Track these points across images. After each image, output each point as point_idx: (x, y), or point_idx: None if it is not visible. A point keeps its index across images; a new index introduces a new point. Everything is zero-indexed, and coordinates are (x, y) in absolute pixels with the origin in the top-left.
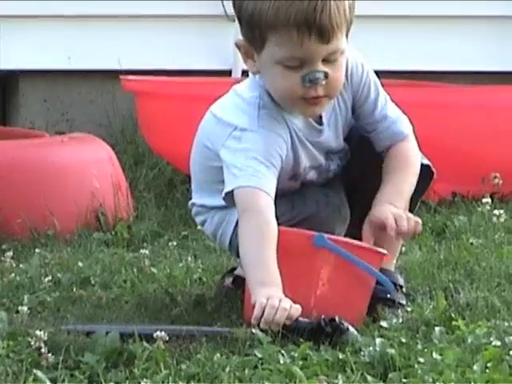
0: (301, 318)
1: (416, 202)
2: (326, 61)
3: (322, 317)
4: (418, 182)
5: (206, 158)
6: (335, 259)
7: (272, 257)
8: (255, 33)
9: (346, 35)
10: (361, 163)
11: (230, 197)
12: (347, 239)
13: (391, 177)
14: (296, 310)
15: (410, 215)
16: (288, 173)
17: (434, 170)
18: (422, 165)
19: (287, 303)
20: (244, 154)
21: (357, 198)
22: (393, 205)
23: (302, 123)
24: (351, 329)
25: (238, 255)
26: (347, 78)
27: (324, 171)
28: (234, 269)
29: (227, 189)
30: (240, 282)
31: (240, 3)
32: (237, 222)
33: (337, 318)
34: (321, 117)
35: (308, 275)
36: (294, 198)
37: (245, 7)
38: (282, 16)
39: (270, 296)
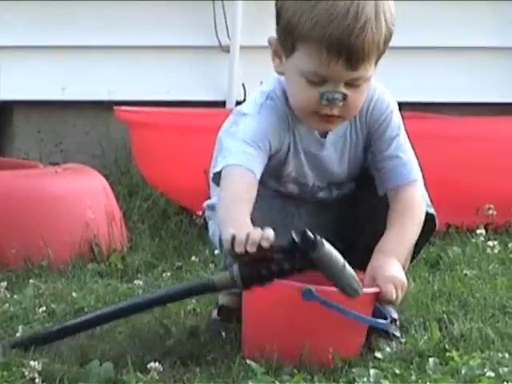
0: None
1: (419, 250)
2: (348, 84)
3: (293, 232)
4: (422, 231)
5: (219, 152)
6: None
7: (245, 214)
8: (288, 38)
9: (375, 64)
10: (369, 204)
11: (218, 178)
12: (332, 288)
13: (396, 225)
14: (270, 231)
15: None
16: (271, 170)
17: (437, 221)
18: (427, 213)
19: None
20: (235, 136)
21: (362, 238)
22: (395, 256)
23: (304, 130)
24: (326, 244)
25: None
26: (368, 109)
27: (308, 192)
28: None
29: (216, 169)
30: (225, 312)
31: (281, 4)
32: None
33: (308, 232)
34: (327, 132)
35: (299, 323)
36: (275, 216)
37: (285, 10)
38: (316, 31)
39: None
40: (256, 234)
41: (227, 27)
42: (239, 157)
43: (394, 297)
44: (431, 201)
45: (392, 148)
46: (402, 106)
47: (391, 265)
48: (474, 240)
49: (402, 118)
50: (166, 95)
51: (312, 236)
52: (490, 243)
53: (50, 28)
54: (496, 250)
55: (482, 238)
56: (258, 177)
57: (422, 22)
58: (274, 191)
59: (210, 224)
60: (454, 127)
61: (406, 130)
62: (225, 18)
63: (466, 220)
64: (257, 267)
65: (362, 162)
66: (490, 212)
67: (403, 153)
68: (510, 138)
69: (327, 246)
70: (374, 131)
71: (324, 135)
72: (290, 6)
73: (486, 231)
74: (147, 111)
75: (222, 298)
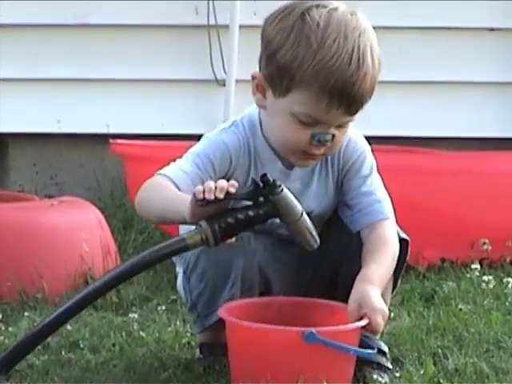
0: None
1: (396, 279)
2: (338, 126)
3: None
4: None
5: None
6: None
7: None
8: (283, 80)
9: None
10: (342, 245)
11: None
12: (331, 328)
13: (373, 259)
14: (234, 182)
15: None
16: None
17: (408, 239)
18: (401, 239)
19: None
20: (185, 154)
21: (339, 280)
22: (378, 286)
23: (267, 160)
24: (285, 189)
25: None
26: (341, 148)
27: (267, 228)
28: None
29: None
30: (206, 349)
31: (278, 44)
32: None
33: (268, 175)
34: (293, 165)
35: (293, 363)
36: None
37: (284, 52)
38: (320, 80)
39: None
40: (223, 181)
41: (223, 61)
42: (172, 171)
43: (382, 329)
44: (424, 234)
45: (367, 185)
46: (395, 140)
47: (378, 295)
48: (468, 275)
49: (383, 152)
50: (161, 129)
51: (271, 179)
52: (485, 278)
53: (45, 61)
54: (491, 285)
55: (476, 273)
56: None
57: (413, 55)
58: None
59: (178, 270)
60: (449, 162)
61: (396, 166)
62: (221, 51)
63: (461, 255)
64: (224, 218)
65: (331, 202)
66: (485, 247)
67: (377, 191)
68: (505, 172)
69: (286, 190)
70: (347, 170)
71: (290, 167)
72: (288, 48)
73: (481, 266)
74: (142, 144)
75: (200, 337)
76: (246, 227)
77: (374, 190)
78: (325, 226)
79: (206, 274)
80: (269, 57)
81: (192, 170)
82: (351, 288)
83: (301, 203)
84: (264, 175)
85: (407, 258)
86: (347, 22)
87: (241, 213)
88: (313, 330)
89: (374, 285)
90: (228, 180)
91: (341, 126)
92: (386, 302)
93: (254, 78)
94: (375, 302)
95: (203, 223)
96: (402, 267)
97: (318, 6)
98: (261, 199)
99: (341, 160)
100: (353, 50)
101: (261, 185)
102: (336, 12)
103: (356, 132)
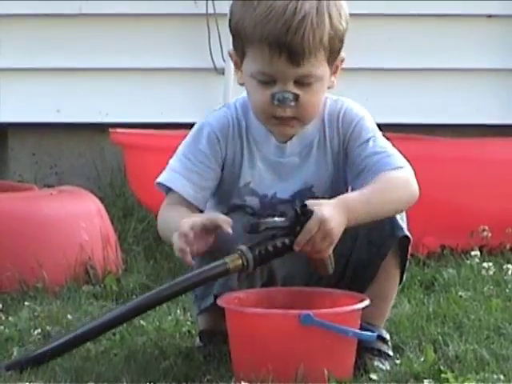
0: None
1: (402, 274)
2: (298, 83)
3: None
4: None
5: None
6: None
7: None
8: (237, 44)
9: (329, 63)
10: (350, 237)
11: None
12: (329, 310)
13: (364, 188)
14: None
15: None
16: (226, 184)
17: (410, 238)
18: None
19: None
20: (178, 150)
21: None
22: (348, 210)
23: (261, 136)
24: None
25: None
26: (338, 119)
27: (267, 205)
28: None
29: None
30: (206, 336)
31: (230, 12)
32: None
33: (308, 204)
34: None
35: (293, 348)
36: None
37: (232, 17)
38: (257, 32)
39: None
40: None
41: (222, 49)
42: (167, 176)
43: (312, 233)
44: (424, 221)
45: (370, 146)
46: (395, 127)
47: (333, 210)
48: (468, 262)
49: (390, 140)
50: (160, 117)
51: (311, 209)
52: (485, 265)
53: (44, 50)
54: (491, 272)
55: (476, 260)
56: (192, 195)
57: (411, 43)
58: (237, 207)
59: None
60: (449, 149)
61: (399, 151)
62: (219, 40)
63: (461, 242)
64: (263, 245)
65: (332, 176)
66: (485, 234)
67: (382, 148)
68: (505, 159)
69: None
70: (348, 138)
71: (284, 141)
72: (236, 11)
73: (481, 253)
74: (141, 133)
75: (200, 322)
76: (281, 255)
77: (380, 148)
78: None
79: (206, 253)
80: (229, 26)
81: (186, 167)
82: (357, 280)
83: (299, 177)
84: (304, 205)
85: (408, 256)
86: None
87: (279, 241)
88: (309, 312)
89: (342, 205)
90: (223, 167)
91: (302, 84)
92: (390, 296)
93: (230, 55)
94: (324, 210)
95: (244, 248)
96: (405, 264)
97: None
98: (298, 228)
99: (340, 130)
100: (291, 0)
101: (299, 213)
102: None
103: (352, 102)
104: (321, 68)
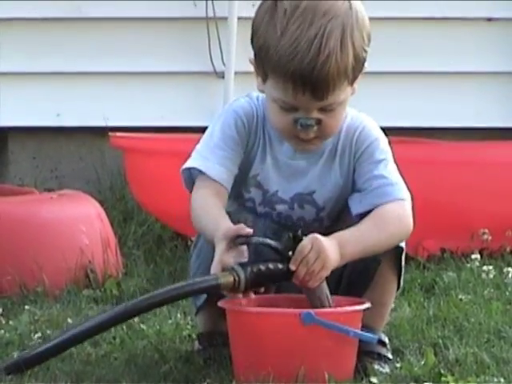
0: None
1: (399, 282)
2: (321, 109)
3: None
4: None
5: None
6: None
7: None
8: (260, 64)
9: (352, 84)
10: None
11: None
12: (330, 309)
13: (359, 223)
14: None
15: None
16: (241, 171)
17: (404, 248)
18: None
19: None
20: (207, 135)
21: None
22: (340, 245)
23: (275, 134)
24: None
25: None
26: (354, 136)
27: (267, 201)
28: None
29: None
30: (204, 339)
31: (255, 28)
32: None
33: (299, 232)
34: None
35: (294, 348)
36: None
37: (257, 37)
38: (281, 65)
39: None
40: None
41: (222, 53)
42: (197, 161)
43: (305, 252)
44: (424, 224)
45: (379, 168)
46: (395, 131)
47: (329, 246)
48: (468, 265)
49: (391, 144)
50: (161, 121)
51: (302, 236)
52: (485, 268)
53: (44, 54)
54: (491, 275)
55: (477, 263)
56: (225, 178)
57: (412, 46)
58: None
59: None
60: (449, 152)
61: (397, 156)
62: (219, 43)
63: (461, 245)
64: (256, 265)
65: (335, 187)
66: (485, 237)
67: (390, 175)
68: (505, 162)
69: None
70: (359, 155)
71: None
72: (261, 34)
73: (481, 256)
74: (142, 137)
75: (200, 324)
76: (273, 279)
77: (387, 174)
78: (330, 228)
79: (202, 250)
80: (251, 42)
81: (220, 155)
82: (353, 287)
83: (303, 181)
84: (296, 231)
85: (403, 264)
86: (318, 6)
87: (272, 264)
88: (310, 310)
89: (335, 239)
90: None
91: (324, 110)
92: (388, 302)
93: (251, 62)
94: (317, 235)
95: (236, 266)
96: (401, 273)
97: None
98: (290, 254)
99: (353, 147)
100: (315, 35)
101: (291, 237)
102: None
103: (371, 122)
104: (344, 93)
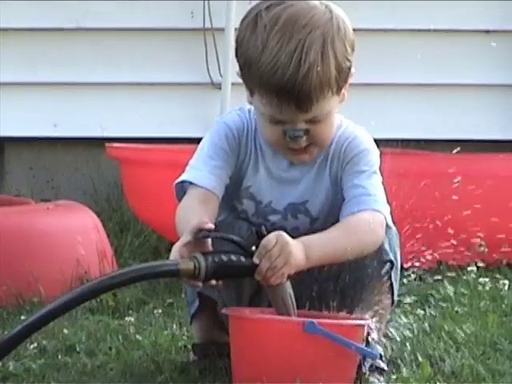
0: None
1: (393, 299)
2: (308, 121)
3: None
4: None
5: None
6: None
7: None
8: (245, 80)
9: (338, 93)
10: None
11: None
12: (332, 321)
13: (329, 230)
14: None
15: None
16: (231, 185)
17: (394, 263)
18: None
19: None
20: (200, 147)
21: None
22: (306, 246)
23: (268, 149)
24: None
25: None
26: (343, 145)
27: (261, 212)
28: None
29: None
30: (198, 350)
31: (238, 45)
32: None
33: (263, 228)
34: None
35: (293, 358)
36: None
37: (240, 54)
38: (264, 81)
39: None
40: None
41: (219, 64)
42: (189, 174)
43: (269, 247)
44: (420, 236)
45: (360, 179)
46: (393, 142)
47: (294, 248)
48: (465, 277)
49: (380, 154)
50: (157, 132)
51: (266, 233)
52: (482, 280)
53: (41, 65)
54: (487, 287)
55: (473, 275)
56: (216, 186)
57: (410, 58)
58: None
59: None
60: (448, 164)
61: (395, 168)
62: (216, 55)
63: (458, 257)
64: (218, 255)
65: (326, 197)
66: (482, 249)
67: (370, 186)
68: (504, 175)
69: None
70: (346, 164)
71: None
72: (244, 50)
73: (478, 268)
74: (138, 148)
75: (195, 333)
76: (235, 272)
77: (367, 184)
78: None
79: None
80: (235, 55)
81: (211, 164)
82: (346, 300)
83: (296, 191)
84: (259, 227)
85: (392, 280)
86: (298, 20)
87: (235, 256)
88: (313, 320)
89: (301, 241)
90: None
91: (312, 121)
92: (383, 317)
93: (238, 75)
94: (281, 232)
95: (198, 254)
96: (393, 288)
97: (271, 6)
98: (253, 248)
99: (341, 155)
100: (295, 49)
101: (254, 233)
102: (289, 9)
103: (364, 133)
104: (330, 103)
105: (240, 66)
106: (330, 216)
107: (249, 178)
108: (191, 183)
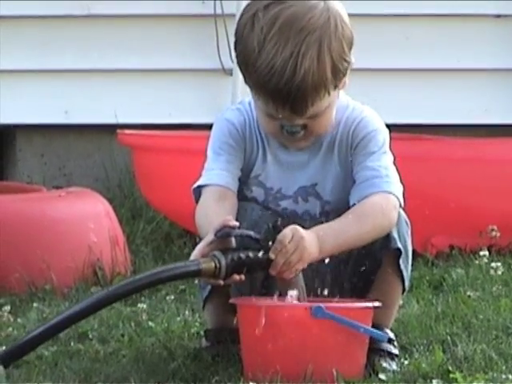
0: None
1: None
2: (305, 118)
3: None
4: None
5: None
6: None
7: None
8: (242, 76)
9: (336, 87)
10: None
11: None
12: (340, 304)
13: (342, 217)
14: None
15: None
16: (243, 175)
17: (402, 250)
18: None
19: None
20: (208, 148)
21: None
22: (319, 239)
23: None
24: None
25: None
26: (351, 127)
27: (272, 198)
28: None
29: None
30: (211, 336)
31: (236, 40)
32: None
33: (279, 222)
34: None
35: (306, 344)
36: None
37: (238, 51)
38: (259, 84)
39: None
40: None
41: (230, 50)
42: (205, 177)
43: (285, 242)
44: (432, 221)
45: (372, 160)
46: (404, 127)
47: (308, 238)
48: (477, 262)
49: (392, 139)
50: (169, 118)
51: (282, 227)
52: (494, 265)
53: (52, 52)
54: (499, 272)
55: (485, 260)
56: (229, 181)
57: (420, 43)
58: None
59: None
60: (458, 149)
61: (406, 153)
62: (228, 41)
63: (470, 242)
64: (236, 252)
65: (336, 179)
66: (494, 233)
67: (382, 167)
68: None
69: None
70: (355, 146)
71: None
72: (241, 48)
73: (490, 253)
74: (150, 134)
75: (207, 319)
76: (253, 268)
77: (379, 166)
78: None
79: None
80: (234, 49)
81: (220, 160)
82: (355, 290)
83: (305, 174)
84: (276, 221)
85: (402, 268)
86: (295, 22)
87: (252, 253)
88: (321, 304)
89: (315, 233)
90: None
91: (309, 117)
92: (393, 304)
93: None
94: (297, 227)
95: (218, 253)
96: (403, 276)
97: (269, 6)
98: (270, 244)
99: (349, 138)
100: (291, 55)
101: (271, 228)
102: (287, 11)
103: (373, 113)
104: (325, 101)
105: (238, 62)
106: (341, 199)
107: (258, 167)
108: (206, 185)
